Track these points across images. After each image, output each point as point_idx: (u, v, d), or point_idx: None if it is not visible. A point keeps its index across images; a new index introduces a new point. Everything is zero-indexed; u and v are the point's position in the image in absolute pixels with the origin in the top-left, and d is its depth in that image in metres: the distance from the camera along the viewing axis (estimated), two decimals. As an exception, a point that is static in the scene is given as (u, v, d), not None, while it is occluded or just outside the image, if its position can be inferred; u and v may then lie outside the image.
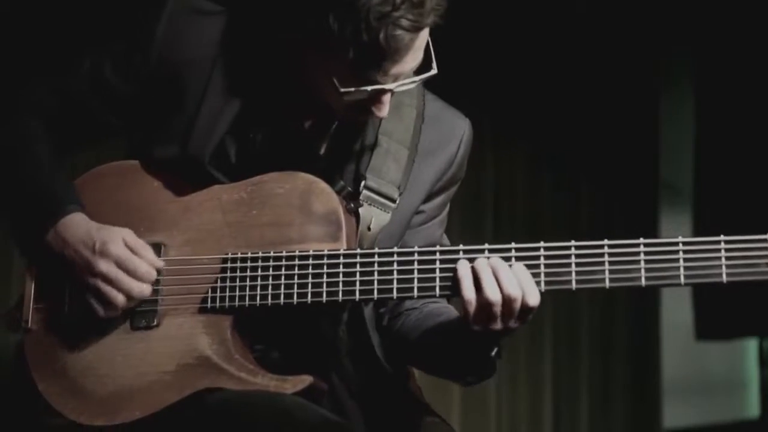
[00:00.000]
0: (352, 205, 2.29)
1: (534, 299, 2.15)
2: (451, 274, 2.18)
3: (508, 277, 2.13)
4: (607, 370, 6.05)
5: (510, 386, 5.52)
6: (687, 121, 6.49)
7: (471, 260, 2.17)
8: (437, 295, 2.19)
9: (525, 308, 2.15)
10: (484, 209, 5.26)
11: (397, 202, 2.34)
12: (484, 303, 2.13)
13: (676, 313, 6.46)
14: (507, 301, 2.13)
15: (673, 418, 6.39)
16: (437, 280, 2.19)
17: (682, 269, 2.16)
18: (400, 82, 2.19)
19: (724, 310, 6.46)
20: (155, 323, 2.28)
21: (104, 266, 2.23)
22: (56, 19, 4.00)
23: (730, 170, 6.24)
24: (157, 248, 2.29)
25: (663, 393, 6.32)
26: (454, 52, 5.01)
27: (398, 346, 2.41)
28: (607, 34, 5.79)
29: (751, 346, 7.00)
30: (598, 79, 5.87)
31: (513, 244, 2.20)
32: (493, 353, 2.27)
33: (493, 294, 2.12)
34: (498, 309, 2.14)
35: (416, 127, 2.38)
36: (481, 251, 2.19)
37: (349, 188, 2.31)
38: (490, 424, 5.36)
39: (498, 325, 2.16)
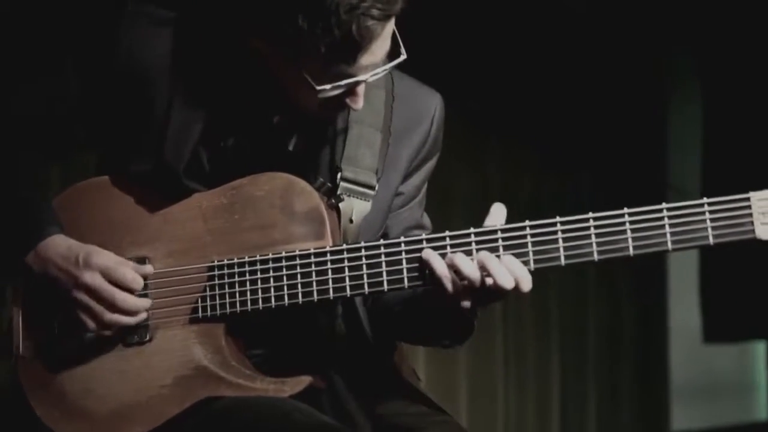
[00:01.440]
0: (333, 200, 2.29)
1: (527, 286, 2.15)
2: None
3: (499, 271, 2.13)
4: (615, 373, 6.03)
5: (517, 388, 5.49)
6: (694, 124, 6.49)
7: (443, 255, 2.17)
8: (423, 281, 2.18)
9: (515, 293, 2.16)
10: (488, 208, 5.25)
11: (376, 188, 2.33)
12: (467, 283, 2.14)
13: (684, 315, 6.44)
14: (497, 290, 2.14)
15: (680, 421, 6.36)
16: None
17: (668, 235, 2.16)
18: (373, 72, 2.18)
19: (732, 313, 6.44)
20: (148, 338, 2.27)
21: (89, 277, 2.22)
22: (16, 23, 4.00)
23: (738, 172, 6.24)
24: (142, 262, 2.28)
25: (671, 396, 6.30)
26: (461, 55, 5.09)
27: (380, 318, 2.40)
28: (615, 36, 5.81)
29: (760, 348, 6.97)
30: (605, 81, 5.89)
31: (499, 226, 2.19)
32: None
33: (472, 272, 2.13)
34: (477, 287, 2.14)
35: (387, 107, 2.37)
36: (467, 235, 2.19)
37: (328, 183, 2.30)
38: (497, 425, 5.33)
39: (478, 301, 2.17)
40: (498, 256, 2.15)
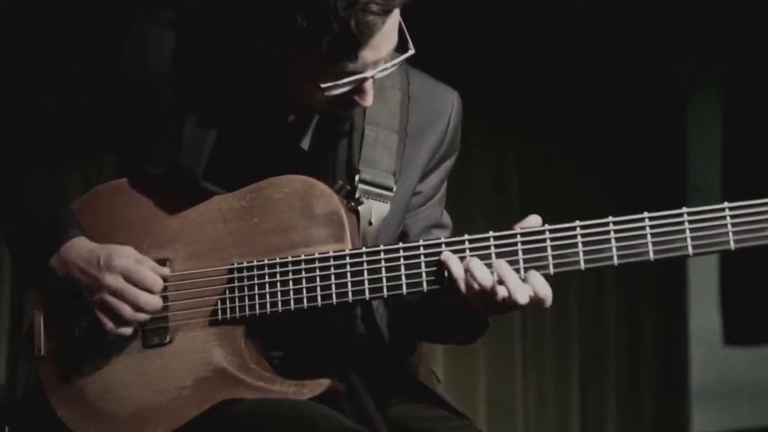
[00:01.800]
0: (353, 203, 2.29)
1: (548, 302, 2.16)
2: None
3: (516, 286, 2.12)
4: (635, 376, 6.01)
5: (537, 392, 5.48)
6: (714, 124, 6.46)
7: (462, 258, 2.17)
8: (442, 284, 2.18)
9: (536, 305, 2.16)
10: (508, 215, 5.27)
11: (394, 189, 2.33)
12: (480, 288, 2.14)
13: (704, 318, 6.41)
14: (510, 302, 2.14)
15: (701, 424, 6.32)
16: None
17: (689, 239, 2.15)
18: (380, 68, 2.18)
19: (753, 315, 6.41)
20: (168, 339, 2.28)
21: (110, 279, 2.23)
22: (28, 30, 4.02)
23: (758, 173, 6.20)
24: (162, 264, 2.29)
25: (691, 399, 6.26)
26: (480, 56, 5.08)
27: (397, 315, 2.40)
28: (634, 39, 5.78)
29: (781, 351, 6.92)
30: (625, 83, 5.87)
31: (518, 230, 2.19)
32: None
33: (486, 279, 2.13)
34: (492, 292, 2.13)
35: (402, 108, 2.37)
36: (486, 239, 2.19)
37: (347, 186, 2.30)
38: (516, 429, 5.32)
39: (493, 306, 2.17)
40: (517, 262, 2.15)
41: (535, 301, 2.14)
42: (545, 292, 2.14)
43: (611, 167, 5.88)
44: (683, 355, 6.26)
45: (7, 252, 2.44)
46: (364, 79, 2.17)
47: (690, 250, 2.15)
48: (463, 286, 2.14)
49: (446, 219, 2.49)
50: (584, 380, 5.71)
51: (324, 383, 2.22)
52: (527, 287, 2.14)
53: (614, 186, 5.85)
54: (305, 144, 2.33)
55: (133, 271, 2.24)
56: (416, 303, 2.33)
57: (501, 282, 2.13)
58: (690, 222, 2.16)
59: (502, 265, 2.14)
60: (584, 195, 5.76)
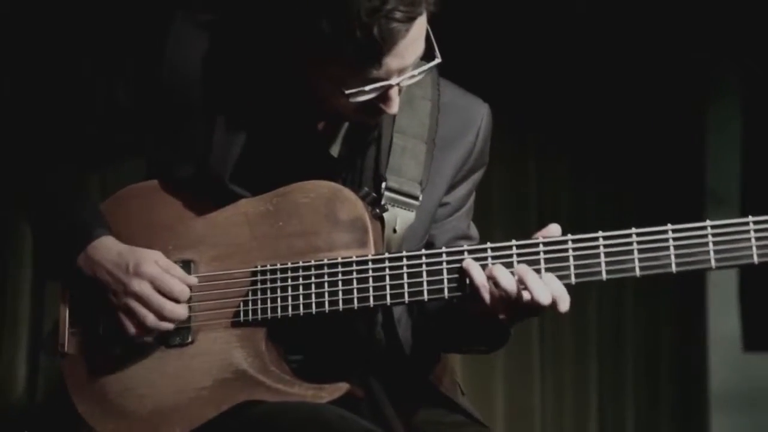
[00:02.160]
0: (377, 210, 2.30)
1: (565, 306, 2.15)
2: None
3: (538, 286, 2.12)
4: (654, 383, 5.99)
5: (555, 399, 5.47)
6: (734, 130, 6.43)
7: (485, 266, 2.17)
8: (463, 292, 2.19)
9: (551, 310, 2.15)
10: (528, 219, 5.26)
11: (420, 198, 2.34)
12: (503, 293, 2.13)
13: (724, 324, 6.39)
14: (534, 305, 2.13)
15: (720, 430, 6.30)
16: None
17: (712, 252, 2.15)
18: (405, 76, 2.17)
19: (773, 321, 6.39)
20: (190, 340, 2.29)
21: (138, 286, 2.25)
22: (67, 30, 4.05)
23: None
24: (187, 265, 2.31)
25: (710, 406, 6.24)
26: (499, 64, 5.08)
27: (418, 324, 2.40)
28: (653, 44, 5.76)
29: (801, 357, 6.88)
30: (644, 89, 5.85)
31: (541, 239, 2.19)
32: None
33: (510, 285, 2.13)
34: (514, 299, 2.13)
35: (432, 118, 2.37)
36: (509, 247, 2.19)
37: (373, 193, 2.31)
38: (535, 435, 5.33)
39: (515, 313, 2.17)
40: (538, 270, 2.15)
41: (555, 302, 2.14)
42: (560, 291, 2.14)
43: (630, 174, 5.86)
44: (702, 361, 6.24)
45: (34, 245, 2.46)
46: (389, 87, 2.17)
47: (713, 264, 2.16)
48: (485, 295, 2.14)
49: (473, 231, 2.50)
50: (602, 388, 5.69)
51: (342, 387, 2.23)
52: (547, 287, 2.14)
53: (633, 192, 5.83)
54: (334, 151, 2.35)
55: (162, 279, 2.25)
56: (438, 312, 2.34)
57: (523, 284, 2.13)
58: (714, 235, 2.16)
59: (522, 268, 2.15)
60: (603, 201, 5.74)
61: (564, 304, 2.14)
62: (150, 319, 2.24)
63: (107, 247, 2.30)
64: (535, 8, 5.31)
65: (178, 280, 2.27)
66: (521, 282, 2.13)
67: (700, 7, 5.63)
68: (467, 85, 2.47)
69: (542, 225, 2.24)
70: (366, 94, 2.16)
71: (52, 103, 2.46)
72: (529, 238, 2.20)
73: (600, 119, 5.70)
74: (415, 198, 2.33)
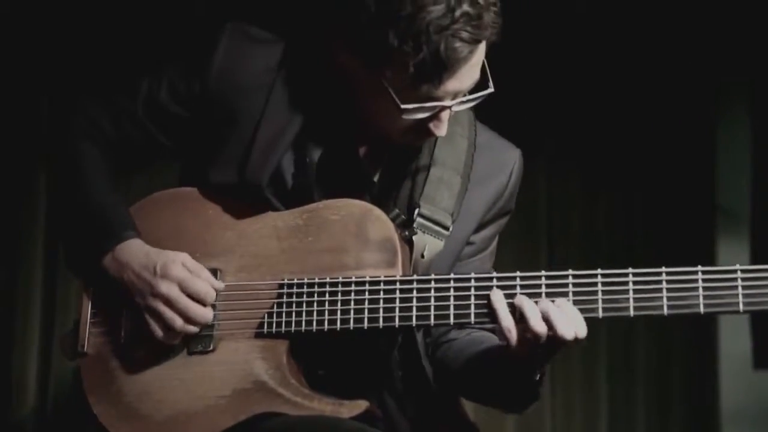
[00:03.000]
0: (407, 233, 2.30)
1: (582, 335, 2.15)
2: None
3: (561, 321, 2.12)
4: (665, 400, 5.97)
5: (565, 416, 5.47)
6: (743, 146, 6.39)
7: (512, 295, 2.18)
8: (489, 322, 2.19)
9: (572, 344, 2.16)
10: (538, 235, 5.24)
11: (450, 229, 2.35)
12: (531, 335, 2.13)
13: (735, 341, 6.37)
14: (558, 340, 2.13)
15: (732, 449, 6.29)
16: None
17: (740, 296, 2.14)
18: (459, 99, 2.21)
19: (784, 338, 6.37)
20: (212, 348, 2.29)
21: (165, 288, 2.25)
22: (114, 37, 4.06)
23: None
24: (214, 274, 2.31)
25: (722, 424, 6.22)
26: (510, 80, 5.06)
27: (443, 374, 2.41)
28: (662, 59, 5.75)
29: (813, 375, 6.86)
30: (653, 105, 5.83)
31: (570, 271, 2.19)
32: (537, 377, 2.27)
33: (539, 326, 2.12)
34: (542, 340, 2.13)
35: (468, 155, 2.40)
36: (538, 277, 2.19)
37: (404, 216, 2.32)
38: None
39: (539, 353, 2.17)
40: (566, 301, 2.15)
41: (576, 336, 2.13)
42: (582, 325, 2.14)
43: (638, 190, 5.84)
44: (713, 378, 6.23)
45: (60, 244, 2.46)
46: (443, 108, 2.20)
47: (741, 307, 2.16)
48: (510, 335, 2.14)
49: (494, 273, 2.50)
50: (612, 405, 5.69)
51: (362, 404, 2.23)
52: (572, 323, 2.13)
53: (641, 208, 5.82)
54: (375, 176, 2.37)
55: (189, 282, 2.26)
56: (464, 359, 2.36)
57: (546, 319, 2.13)
58: (743, 279, 2.15)
59: (543, 303, 2.14)
60: (613, 222, 5.72)
61: (582, 335, 2.15)
62: (177, 321, 2.25)
63: (135, 249, 2.31)
64: (544, 27, 5.30)
65: (205, 282, 2.27)
66: (545, 319, 2.13)
67: (710, 22, 5.62)
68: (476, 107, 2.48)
69: (552, 246, 2.25)
70: (420, 112, 2.18)
71: (93, 100, 2.47)
72: (538, 260, 2.21)
73: (609, 138, 5.68)
74: (446, 228, 2.35)
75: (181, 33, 3.93)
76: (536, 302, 2.15)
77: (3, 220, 3.94)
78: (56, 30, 4.02)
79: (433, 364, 2.42)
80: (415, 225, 2.32)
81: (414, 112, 2.18)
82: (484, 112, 2.45)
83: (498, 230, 2.50)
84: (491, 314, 2.17)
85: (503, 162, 2.45)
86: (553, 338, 2.13)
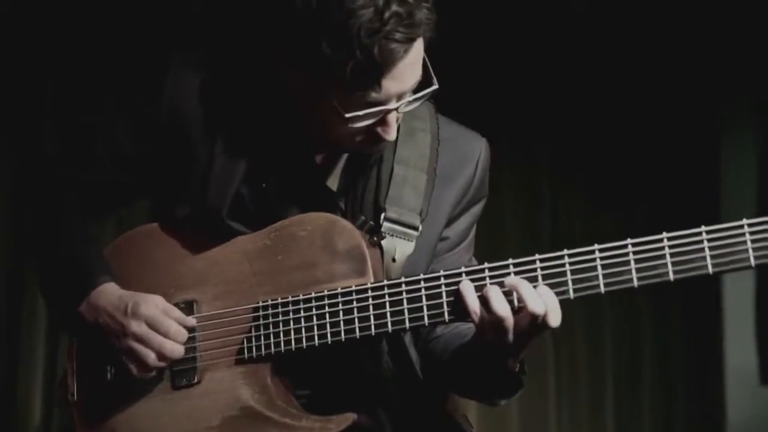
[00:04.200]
0: (375, 238, 2.31)
1: (555, 320, 2.13)
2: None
3: (531, 295, 2.12)
4: (670, 416, 5.94)
5: (571, 428, 5.43)
6: (749, 160, 6.42)
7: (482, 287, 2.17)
8: (462, 316, 2.19)
9: (544, 326, 2.14)
10: (542, 250, 5.25)
11: (420, 229, 2.35)
12: (495, 318, 2.13)
13: (741, 357, 6.34)
14: (528, 317, 2.12)
15: (738, 465, 6.24)
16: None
17: (708, 258, 2.16)
18: (404, 101, 2.21)
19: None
20: (196, 380, 2.30)
21: (135, 326, 2.26)
22: (113, 37, 4.13)
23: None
24: (190, 305, 2.33)
25: (728, 440, 6.19)
26: (514, 93, 5.13)
27: (432, 368, 2.40)
28: (667, 73, 5.80)
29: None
30: (658, 118, 5.87)
31: (537, 256, 2.20)
32: (516, 369, 2.26)
33: (502, 309, 2.12)
34: (509, 323, 2.13)
35: (432, 150, 2.39)
36: (506, 266, 2.19)
37: (370, 221, 2.32)
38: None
39: (510, 338, 2.15)
40: (535, 286, 2.15)
41: (546, 314, 2.12)
42: (555, 305, 2.13)
43: (643, 204, 5.87)
44: (719, 394, 6.20)
45: (42, 297, 2.49)
46: (388, 111, 2.20)
47: (710, 269, 2.16)
48: (476, 319, 2.14)
49: (475, 264, 2.49)
50: (619, 420, 5.66)
51: (349, 417, 2.24)
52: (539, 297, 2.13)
53: (646, 222, 5.83)
54: (332, 184, 2.38)
55: (159, 320, 2.27)
56: (448, 353, 2.35)
57: (515, 293, 2.13)
58: (709, 240, 2.18)
59: (515, 279, 2.14)
60: (617, 232, 5.73)
61: (555, 318, 2.13)
62: (150, 356, 2.25)
63: (109, 293, 2.32)
64: (552, 40, 5.37)
65: (173, 321, 2.28)
66: (514, 292, 2.13)
67: (717, 39, 5.68)
68: (478, 115, 2.50)
69: (554, 251, 2.24)
70: (365, 118, 2.19)
71: (52, 149, 2.51)
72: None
73: (614, 148, 5.72)
74: (415, 228, 2.34)
75: (179, 33, 3.99)
76: (505, 290, 2.14)
77: (7, 239, 3.98)
78: (56, 30, 4.10)
79: (424, 361, 2.41)
80: (383, 230, 2.32)
81: (360, 119, 2.18)
82: (492, 123, 2.45)
83: (473, 220, 2.48)
84: (461, 304, 2.17)
85: (469, 153, 2.44)
86: (526, 317, 2.12)
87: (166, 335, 2.26)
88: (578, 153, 5.62)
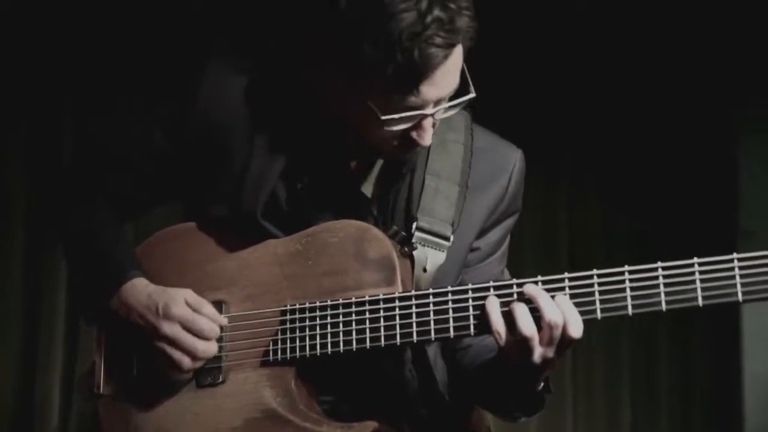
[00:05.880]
0: (406, 249, 2.31)
1: (576, 330, 2.13)
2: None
3: (549, 305, 2.12)
4: (688, 421, 5.94)
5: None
6: (766, 167, 6.41)
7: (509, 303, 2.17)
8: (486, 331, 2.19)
9: (565, 339, 2.14)
10: (558, 257, 5.26)
11: (451, 239, 2.35)
12: (519, 337, 2.13)
13: (759, 362, 6.33)
14: (547, 328, 2.12)
15: (756, 472, 6.23)
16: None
17: (739, 285, 2.15)
18: (441, 107, 2.21)
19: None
20: (221, 380, 2.32)
21: (168, 329, 2.28)
22: (112, 37, 4.14)
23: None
24: (219, 306, 2.34)
25: (747, 446, 6.18)
26: (532, 99, 5.13)
27: (458, 378, 2.41)
28: (685, 79, 5.78)
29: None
30: (675, 126, 5.85)
31: (566, 274, 2.20)
32: (540, 387, 2.26)
33: (527, 328, 2.12)
34: (534, 343, 2.13)
35: (465, 161, 2.39)
36: (535, 282, 2.19)
37: (402, 232, 2.33)
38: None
39: (535, 358, 2.15)
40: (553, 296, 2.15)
41: (566, 324, 2.12)
42: (571, 314, 2.12)
43: (660, 212, 5.85)
44: (737, 400, 6.18)
45: (71, 292, 2.51)
46: (424, 116, 2.20)
47: (740, 297, 2.16)
48: (498, 339, 2.15)
49: (507, 276, 2.50)
50: (635, 427, 5.66)
51: (370, 425, 2.25)
52: (557, 307, 2.13)
53: (663, 230, 5.82)
54: (367, 190, 2.38)
55: (191, 320, 2.28)
56: (474, 367, 2.36)
57: (532, 302, 2.13)
58: (740, 268, 2.17)
59: (533, 288, 2.14)
60: (634, 248, 5.73)
61: (575, 329, 2.13)
62: (185, 361, 2.27)
63: (138, 289, 2.34)
64: (566, 52, 5.36)
65: (207, 320, 2.30)
66: (531, 301, 2.13)
67: (735, 46, 5.65)
68: (496, 128, 2.49)
69: (573, 267, 2.24)
70: (401, 122, 2.19)
71: (91, 149, 2.52)
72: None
73: (630, 163, 5.71)
74: (446, 239, 2.34)
75: (178, 32, 3.99)
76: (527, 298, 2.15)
77: (27, 244, 4.00)
78: (56, 30, 4.12)
79: (451, 371, 2.42)
80: (414, 239, 2.32)
81: (395, 122, 2.18)
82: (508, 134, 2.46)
83: (505, 233, 2.48)
84: (485, 320, 2.17)
85: (503, 165, 2.43)
86: (546, 330, 2.11)
87: (199, 334, 2.28)
88: (594, 173, 5.62)
